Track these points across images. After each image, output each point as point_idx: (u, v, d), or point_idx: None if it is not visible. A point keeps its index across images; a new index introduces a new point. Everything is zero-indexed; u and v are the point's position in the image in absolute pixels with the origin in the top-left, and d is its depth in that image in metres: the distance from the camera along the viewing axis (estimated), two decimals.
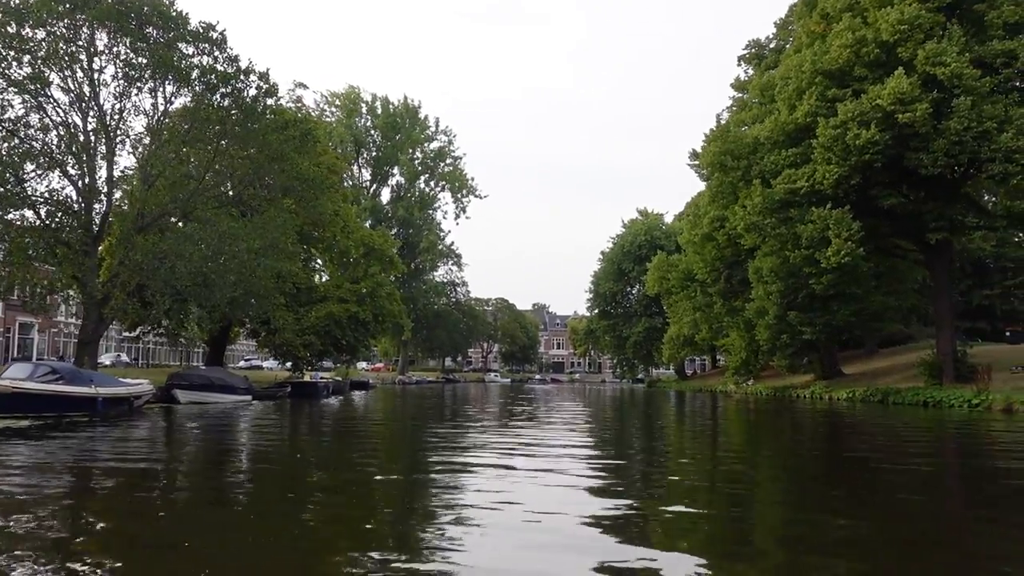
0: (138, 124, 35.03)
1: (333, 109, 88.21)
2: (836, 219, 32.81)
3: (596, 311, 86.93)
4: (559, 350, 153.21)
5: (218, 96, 34.82)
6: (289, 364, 50.37)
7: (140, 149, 35.15)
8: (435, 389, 69.12)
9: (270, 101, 36.54)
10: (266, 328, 46.03)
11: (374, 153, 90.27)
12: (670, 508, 8.50)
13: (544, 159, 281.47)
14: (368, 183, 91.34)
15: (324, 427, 21.81)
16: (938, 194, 33.98)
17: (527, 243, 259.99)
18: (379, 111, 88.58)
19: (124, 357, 74.27)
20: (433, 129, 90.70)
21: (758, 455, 15.61)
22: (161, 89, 34.44)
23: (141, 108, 35.22)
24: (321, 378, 45.97)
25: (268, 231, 34.49)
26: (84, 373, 22.70)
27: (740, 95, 49.03)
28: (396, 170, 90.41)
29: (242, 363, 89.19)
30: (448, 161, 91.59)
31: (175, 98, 35.13)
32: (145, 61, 32.72)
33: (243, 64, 34.96)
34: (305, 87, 57.60)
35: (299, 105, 50.44)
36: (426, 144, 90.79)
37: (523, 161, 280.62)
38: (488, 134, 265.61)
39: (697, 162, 39.71)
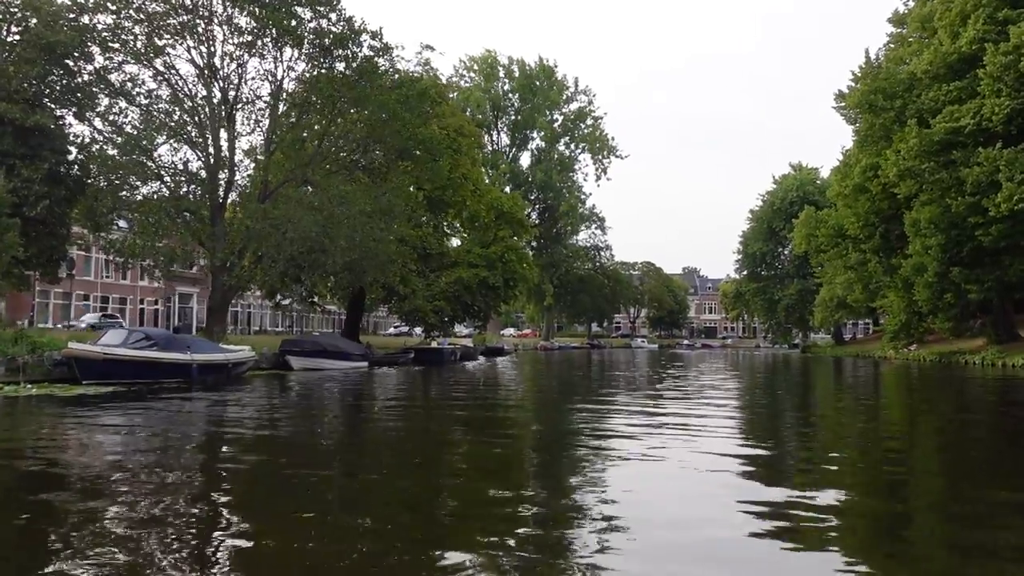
0: (259, 92, 34.70)
1: (471, 74, 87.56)
2: (1008, 160, 28.48)
3: (745, 273, 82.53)
4: (711, 315, 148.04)
5: (332, 59, 34.45)
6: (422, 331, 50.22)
7: (260, 117, 35.44)
8: (576, 355, 67.62)
9: (383, 61, 35.77)
10: (395, 295, 45.94)
11: (513, 117, 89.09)
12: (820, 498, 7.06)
13: (697, 116, 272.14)
14: (507, 147, 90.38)
15: (416, 396, 20.72)
16: None
17: (678, 204, 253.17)
18: (516, 74, 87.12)
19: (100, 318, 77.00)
20: (572, 90, 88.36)
21: (917, 436, 12.87)
22: (278, 55, 34.42)
23: (260, 76, 35.56)
24: (449, 344, 45.35)
25: (381, 195, 33.87)
26: (181, 339, 22.65)
27: (898, 30, 44.07)
28: (535, 133, 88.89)
29: (391, 330, 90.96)
30: (588, 122, 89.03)
31: (295, 63, 34.99)
32: (260, 26, 32.67)
33: (356, 24, 34.34)
34: (432, 49, 56.23)
35: (427, 68, 49.40)
36: (565, 105, 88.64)
37: (674, 119, 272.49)
38: (633, 93, 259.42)
39: (844, 104, 35.69)
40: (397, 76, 37.29)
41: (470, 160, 53.60)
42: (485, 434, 12.07)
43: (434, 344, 44.17)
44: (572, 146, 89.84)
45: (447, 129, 48.48)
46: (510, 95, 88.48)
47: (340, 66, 34.55)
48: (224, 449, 10.11)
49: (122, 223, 34.53)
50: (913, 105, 32.70)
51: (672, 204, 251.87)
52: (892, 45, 43.61)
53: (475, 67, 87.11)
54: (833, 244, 49.78)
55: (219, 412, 14.89)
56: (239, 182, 35.99)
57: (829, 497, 7.17)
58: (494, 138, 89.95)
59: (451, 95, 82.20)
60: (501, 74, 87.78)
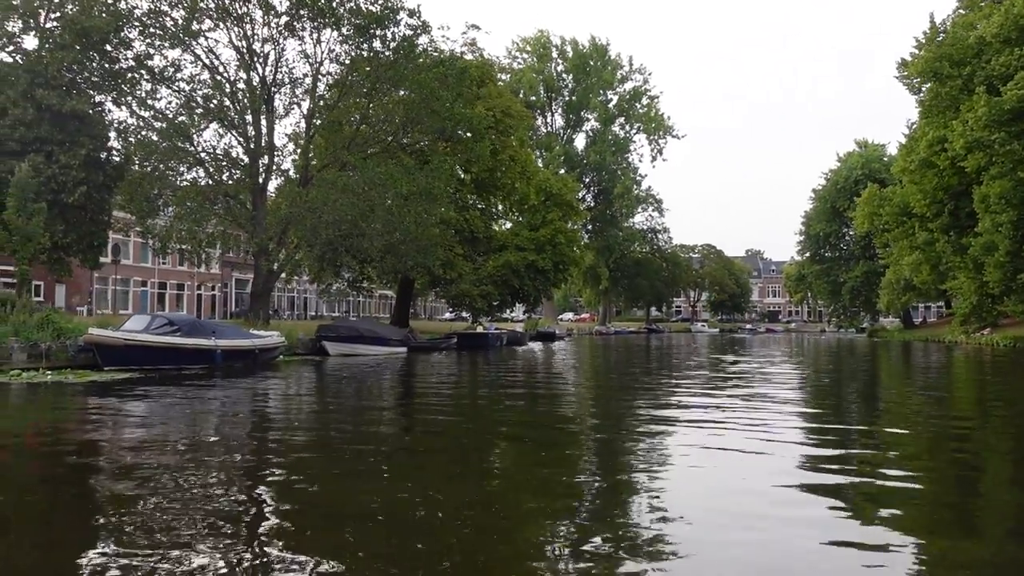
0: (298, 75, 34.30)
1: (524, 56, 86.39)
2: None
3: (807, 255, 79.79)
4: (774, 298, 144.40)
5: (370, 39, 33.82)
6: (471, 315, 49.57)
7: (300, 100, 35.10)
8: (633, 340, 66.16)
9: (422, 40, 34.99)
10: (442, 279, 45.35)
11: (567, 98, 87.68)
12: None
13: (763, 94, 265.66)
14: (562, 129, 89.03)
15: (451, 385, 19.94)
16: None
17: (742, 185, 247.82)
18: (569, 54, 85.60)
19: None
20: (627, 69, 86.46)
21: (985, 431, 11.44)
22: (317, 37, 33.94)
23: (299, 58, 35.24)
24: (496, 329, 44.53)
25: (418, 177, 33.14)
26: (206, 325, 22.28)
27: None
28: (589, 114, 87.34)
29: (447, 315, 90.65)
30: (644, 101, 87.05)
31: (334, 44, 34.44)
32: (297, 7, 32.22)
33: (394, 3, 33.61)
34: (477, 28, 55.03)
35: (473, 48, 48.49)
36: (620, 85, 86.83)
37: (738, 98, 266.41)
38: (693, 71, 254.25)
39: (907, 73, 33.52)
40: (437, 55, 36.49)
41: (518, 141, 52.60)
42: (503, 435, 11.13)
43: (479, 329, 43.33)
44: (627, 126, 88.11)
45: (493, 110, 47.53)
46: (564, 76, 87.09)
47: (378, 45, 33.93)
48: (199, 441, 9.38)
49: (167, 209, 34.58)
50: (982, 72, 30.49)
51: (736, 185, 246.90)
52: (962, 12, 41.03)
53: (528, 48, 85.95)
54: (898, 223, 47.26)
55: (225, 400, 14.30)
56: (282, 167, 35.84)
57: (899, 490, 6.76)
58: (548, 120, 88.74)
59: (503, 77, 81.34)
60: (554, 55, 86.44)
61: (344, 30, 33.64)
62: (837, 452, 8.69)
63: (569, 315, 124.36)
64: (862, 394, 17.42)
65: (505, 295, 49.39)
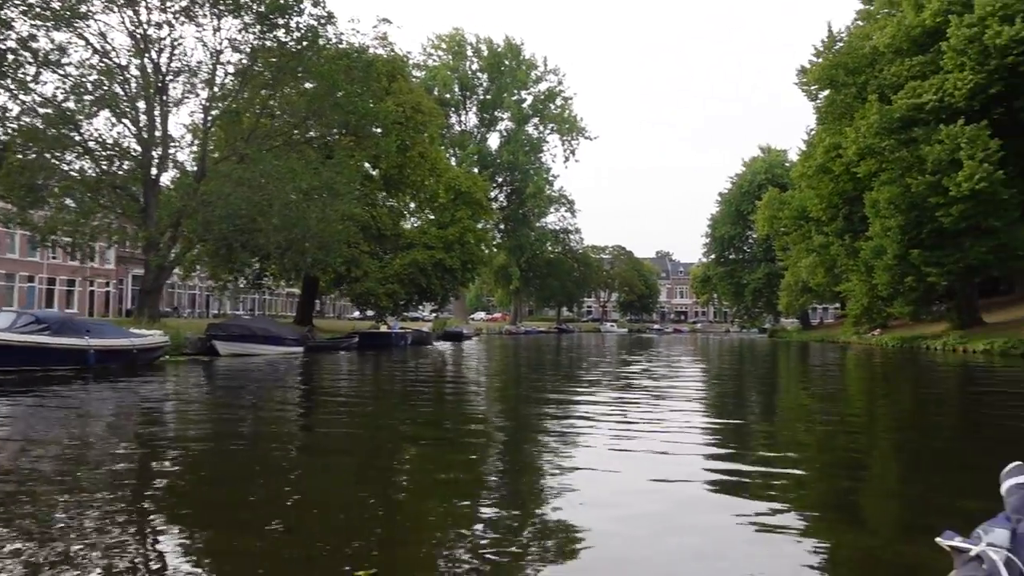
0: (195, 62, 32.90)
1: (439, 53, 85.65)
2: (970, 137, 27.34)
3: (713, 257, 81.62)
4: (682, 299, 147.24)
5: (272, 27, 32.71)
6: (385, 313, 48.57)
7: (198, 90, 33.70)
8: (542, 339, 66.27)
9: (328, 31, 34.05)
10: (348, 276, 44.41)
11: (481, 97, 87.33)
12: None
13: (677, 100, 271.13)
14: (476, 128, 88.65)
15: (345, 386, 19.29)
16: None
17: (652, 188, 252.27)
18: (484, 53, 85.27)
19: None
20: (541, 69, 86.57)
21: (867, 426, 11.69)
22: (217, 23, 32.63)
23: (197, 46, 33.90)
24: (401, 328, 43.78)
25: (323, 172, 32.23)
26: (78, 323, 20.98)
27: (867, 7, 42.83)
28: (503, 113, 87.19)
29: (357, 314, 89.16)
30: (558, 102, 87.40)
31: (235, 32, 33.17)
32: None
33: None
34: (388, 22, 54.22)
35: (384, 42, 47.59)
36: (534, 86, 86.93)
37: (655, 102, 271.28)
38: (608, 77, 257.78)
39: (805, 80, 34.42)
40: (343, 47, 35.62)
41: (429, 138, 52.00)
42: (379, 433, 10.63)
43: (383, 328, 42.53)
44: (541, 127, 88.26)
45: (403, 106, 46.82)
46: (479, 74, 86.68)
47: (281, 35, 32.86)
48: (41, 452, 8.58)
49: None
50: (875, 81, 31.50)
51: (648, 188, 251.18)
52: (859, 23, 42.39)
53: (443, 46, 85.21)
54: (796, 226, 48.67)
55: (82, 404, 13.36)
56: (179, 159, 34.32)
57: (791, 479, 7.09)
58: (463, 118, 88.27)
59: (418, 74, 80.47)
60: (469, 53, 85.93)
61: (246, 18, 32.46)
62: (735, 450, 8.84)
63: (481, 315, 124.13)
64: (761, 393, 17.87)
65: (412, 294, 48.70)
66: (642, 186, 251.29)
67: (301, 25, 33.02)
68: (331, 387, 18.07)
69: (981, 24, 26.72)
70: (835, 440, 9.89)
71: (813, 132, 43.66)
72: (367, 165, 48.00)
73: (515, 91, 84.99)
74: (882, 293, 36.36)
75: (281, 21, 32.72)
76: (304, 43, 32.75)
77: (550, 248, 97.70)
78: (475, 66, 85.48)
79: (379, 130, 42.94)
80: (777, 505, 5.92)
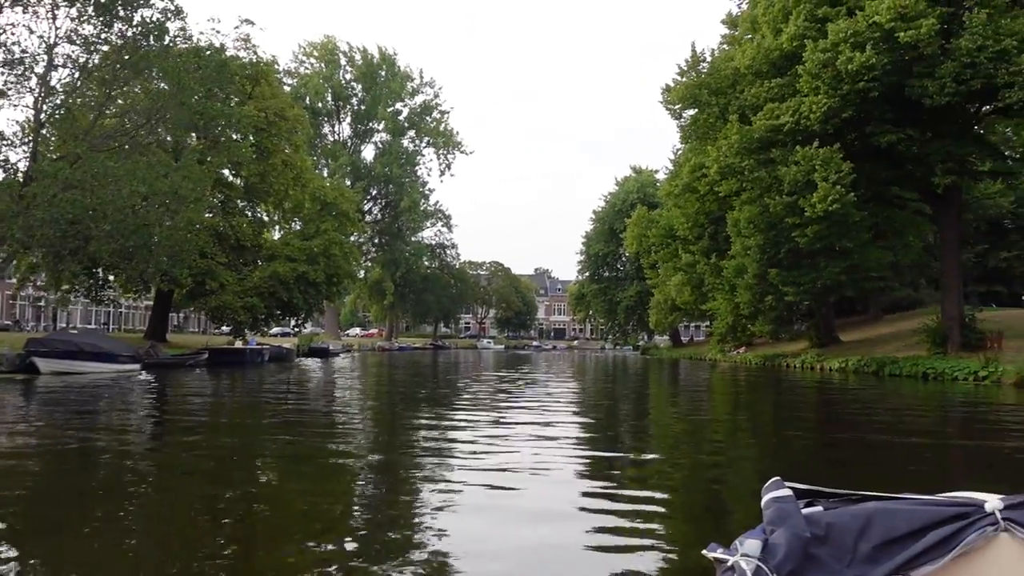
0: (23, 54, 29.97)
1: (312, 61, 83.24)
2: (823, 159, 27.83)
3: (587, 274, 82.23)
4: (560, 316, 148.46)
5: (113, 18, 30.23)
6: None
7: (28, 85, 30.75)
8: (418, 357, 64.66)
9: (176, 26, 31.78)
10: (203, 289, 41.79)
11: (356, 107, 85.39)
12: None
13: (551, 116, 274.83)
14: (350, 138, 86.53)
15: (175, 409, 17.40)
16: (945, 131, 28.89)
17: (533, 206, 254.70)
18: (359, 62, 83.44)
19: None
20: (417, 82, 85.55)
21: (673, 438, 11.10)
22: (53, 13, 29.88)
23: (28, 36, 31.00)
24: (258, 344, 41.50)
25: (173, 176, 29.90)
26: None
27: (732, 31, 43.72)
28: (379, 125, 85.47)
29: (226, 329, 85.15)
30: (434, 115, 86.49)
31: (72, 22, 30.47)
32: None
33: None
34: (251, 23, 51.76)
35: (247, 44, 45.32)
36: (410, 98, 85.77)
37: (534, 120, 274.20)
38: (486, 91, 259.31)
39: (669, 99, 34.63)
40: (193, 44, 33.41)
41: (293, 146, 49.92)
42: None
43: (238, 344, 40.15)
44: (417, 140, 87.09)
45: (266, 111, 44.73)
46: (353, 84, 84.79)
47: (122, 27, 30.40)
48: None
49: None
50: (736, 101, 31.84)
51: (528, 206, 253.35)
52: (725, 46, 43.16)
53: (315, 53, 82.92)
54: (664, 245, 49.19)
55: None
56: (11, 159, 31.17)
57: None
58: (336, 129, 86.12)
59: (289, 81, 77.95)
60: (343, 62, 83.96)
61: (88, 9, 29.85)
62: (606, 471, 8.77)
63: (357, 330, 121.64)
64: (632, 408, 17.90)
65: (273, 308, 46.35)
66: (523, 203, 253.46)
67: (147, 19, 30.73)
68: (153, 408, 16.19)
69: (834, 49, 27.25)
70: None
71: (680, 152, 44.18)
72: (226, 172, 45.60)
73: (390, 102, 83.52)
74: (744, 312, 36.84)
75: (123, 13, 30.33)
76: (149, 38, 30.42)
77: (426, 263, 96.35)
78: (349, 76, 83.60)
79: (238, 135, 40.85)
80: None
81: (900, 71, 27.22)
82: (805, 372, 36.30)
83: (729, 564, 1.96)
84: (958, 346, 29.09)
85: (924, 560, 2.00)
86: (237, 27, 49.58)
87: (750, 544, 1.98)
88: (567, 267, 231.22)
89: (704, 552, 2.08)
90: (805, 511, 2.14)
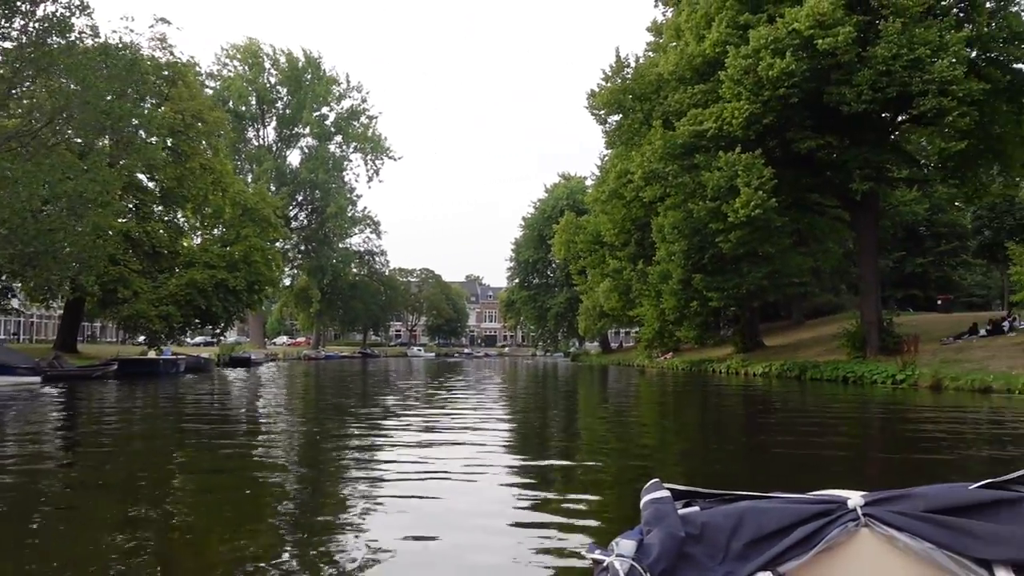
0: None
1: (235, 63, 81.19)
2: (746, 165, 27.94)
3: (517, 281, 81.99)
4: (492, 323, 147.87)
5: (14, 13, 28.66)
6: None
7: None
8: (345, 365, 63.24)
9: (84, 22, 30.38)
10: (116, 297, 40.02)
11: (281, 111, 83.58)
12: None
13: (483, 123, 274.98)
14: (275, 143, 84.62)
15: (79, 422, 16.26)
16: (863, 138, 29.36)
17: (465, 213, 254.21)
18: (284, 65, 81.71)
19: None
20: (344, 86, 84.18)
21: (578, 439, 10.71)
22: None
23: None
24: (172, 354, 39.92)
25: (81, 179, 28.41)
26: None
27: (657, 39, 43.88)
28: (305, 130, 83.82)
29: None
30: (362, 120, 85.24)
31: None
32: None
33: None
34: (168, 23, 49.92)
35: (163, 44, 43.67)
36: (337, 102, 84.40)
37: (464, 128, 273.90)
38: (421, 97, 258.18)
39: (594, 104, 34.46)
40: (100, 41, 31.95)
41: (212, 149, 48.39)
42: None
43: (152, 354, 38.54)
44: (345, 145, 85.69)
45: (183, 113, 43.19)
46: (278, 88, 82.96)
47: (22, 21, 28.85)
48: None
49: None
50: (660, 107, 31.83)
51: (460, 213, 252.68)
52: (651, 54, 43.29)
53: (238, 56, 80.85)
54: (591, 251, 49.14)
55: None
56: None
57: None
58: (261, 133, 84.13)
59: (212, 84, 75.91)
60: (267, 65, 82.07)
61: None
62: (533, 478, 8.82)
63: (284, 339, 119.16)
64: (561, 415, 17.95)
65: (190, 317, 44.70)
66: (454, 210, 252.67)
67: (50, 14, 29.22)
68: (46, 425, 15.04)
69: (755, 56, 27.40)
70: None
71: (607, 158, 44.16)
72: (142, 176, 43.95)
73: (316, 107, 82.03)
74: (670, 317, 36.89)
75: (25, 7, 28.79)
76: (52, 34, 28.92)
77: (355, 270, 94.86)
78: (273, 79, 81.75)
79: (153, 138, 39.39)
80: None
81: (819, 78, 27.53)
82: (730, 377, 36.56)
83: (604, 565, 2.00)
84: (876, 350, 29.53)
85: (791, 556, 2.07)
86: (152, 26, 47.87)
87: (625, 544, 2.03)
88: (499, 274, 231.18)
89: (584, 554, 2.11)
90: (682, 511, 2.19)
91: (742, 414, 18.99)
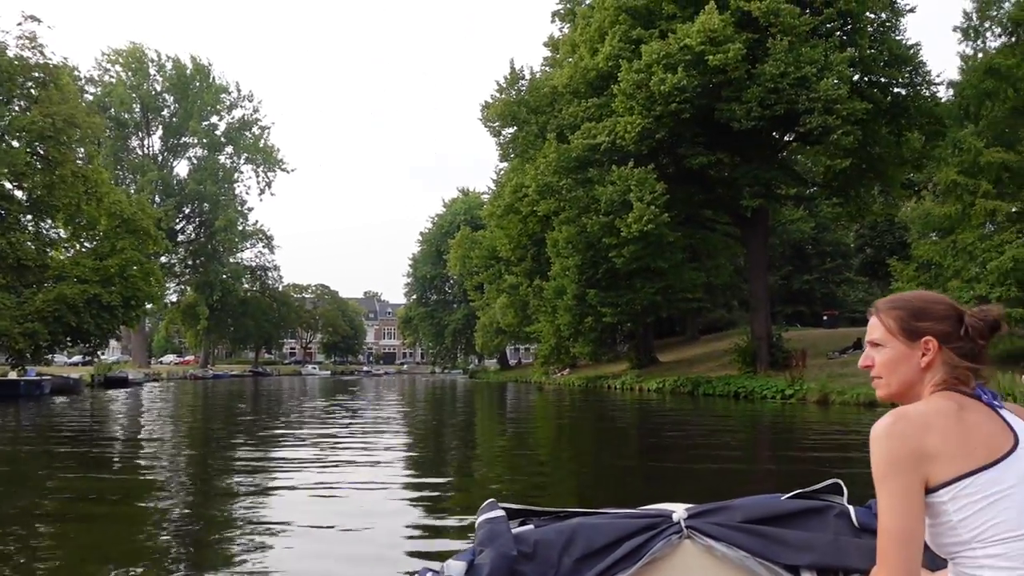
0: None
1: (117, 68, 77.40)
2: (638, 179, 27.80)
3: (415, 297, 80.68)
4: (391, 340, 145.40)
5: None
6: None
7: None
8: (234, 385, 60.45)
9: None
10: None
11: (168, 120, 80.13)
12: None
13: (389, 141, 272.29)
14: (161, 152, 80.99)
15: None
16: (753, 155, 29.71)
17: (364, 228, 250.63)
18: (170, 72, 78.41)
19: None
20: (235, 95, 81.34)
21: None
22: None
23: None
24: (38, 374, 37.11)
25: None
26: None
27: (554, 54, 43.79)
28: (193, 139, 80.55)
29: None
30: (254, 131, 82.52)
31: None
32: None
33: None
34: (38, 20, 46.74)
35: (32, 43, 40.82)
36: (228, 112, 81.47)
37: (363, 141, 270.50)
38: (319, 110, 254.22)
39: (488, 116, 33.91)
40: None
41: (87, 156, 45.56)
42: None
43: (12, 375, 35.69)
44: (236, 156, 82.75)
45: (53, 117, 40.43)
46: (164, 96, 79.51)
47: None
48: None
49: None
50: (555, 120, 31.50)
51: (359, 228, 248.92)
52: (547, 69, 43.15)
53: (120, 61, 77.07)
54: (487, 266, 48.49)
55: None
56: None
57: None
58: (146, 142, 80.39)
59: (92, 89, 72.09)
60: (152, 71, 78.56)
61: None
62: (427, 499, 8.51)
63: (172, 357, 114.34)
64: (458, 434, 17.41)
65: (59, 334, 41.71)
66: (353, 224, 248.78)
67: None
68: None
69: (648, 70, 27.37)
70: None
71: (503, 172, 43.66)
72: (7, 184, 40.95)
73: (206, 116, 78.96)
74: (565, 333, 36.49)
75: None
76: None
77: (246, 286, 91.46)
78: (159, 86, 78.32)
79: (15, 143, 36.79)
80: None
81: (710, 94, 27.67)
82: (625, 393, 36.37)
83: None
84: (766, 365, 29.76)
85: (617, 569, 2.11)
86: (20, 24, 44.80)
87: (454, 565, 2.04)
88: (399, 290, 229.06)
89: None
90: (516, 530, 2.21)
91: (623, 431, 18.62)
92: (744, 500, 2.29)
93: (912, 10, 30.34)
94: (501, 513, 2.25)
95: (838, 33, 28.35)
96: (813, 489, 2.31)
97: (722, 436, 16.23)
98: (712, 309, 53.19)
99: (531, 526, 2.25)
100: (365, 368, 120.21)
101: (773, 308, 41.50)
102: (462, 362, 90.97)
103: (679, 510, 2.24)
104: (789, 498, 2.29)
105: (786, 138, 31.71)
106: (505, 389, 47.18)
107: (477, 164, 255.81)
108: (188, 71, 78.79)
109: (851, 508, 2.24)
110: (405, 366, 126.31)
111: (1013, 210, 23.69)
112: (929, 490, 1.69)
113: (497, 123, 34.06)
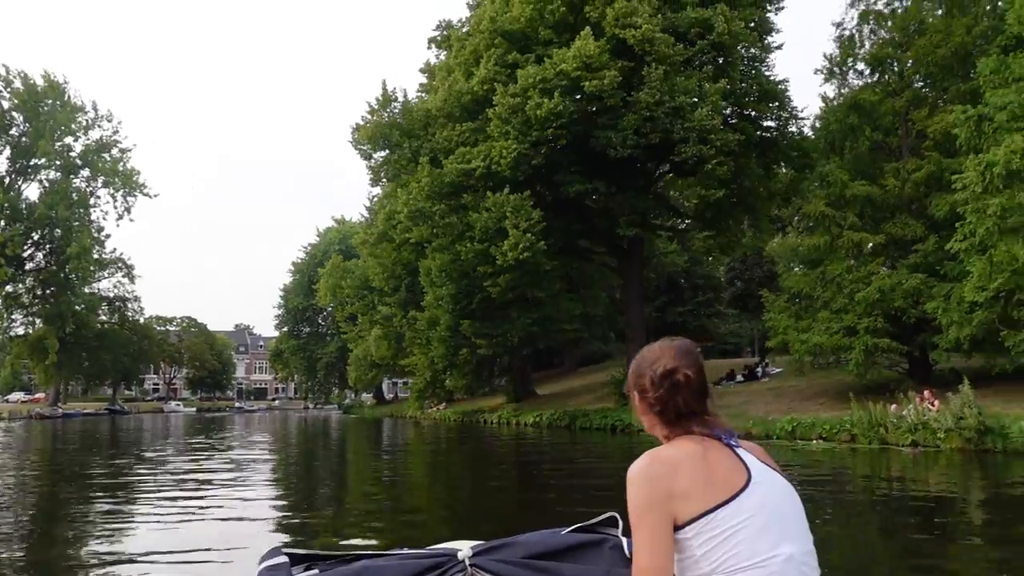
0: None
1: None
2: (514, 206, 26.95)
3: (286, 329, 77.45)
4: (263, 374, 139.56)
5: None
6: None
7: None
8: (84, 424, 55.57)
9: None
10: None
11: (16, 140, 74.50)
12: None
13: (253, 165, 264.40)
14: (9, 174, 75.10)
15: None
16: (629, 185, 29.41)
17: (235, 258, 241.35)
18: (19, 88, 73.08)
19: None
20: (92, 115, 76.52)
21: None
22: None
23: None
24: None
25: None
26: None
27: (430, 81, 42.81)
28: (44, 161, 75.09)
29: None
30: (113, 153, 77.76)
31: None
32: None
33: None
34: None
35: None
36: (84, 133, 76.52)
37: (238, 167, 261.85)
38: (184, 137, 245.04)
39: (359, 137, 32.49)
40: None
41: None
42: None
43: None
44: (93, 179, 77.68)
45: None
46: (12, 114, 73.92)
47: None
48: None
49: None
50: (428, 144, 30.40)
51: (230, 258, 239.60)
52: (423, 95, 42.12)
53: None
54: (360, 297, 46.64)
55: None
56: None
57: None
58: None
59: None
60: (1, 88, 73.02)
61: None
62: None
63: (20, 395, 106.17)
64: (328, 475, 16.85)
65: None
66: (223, 254, 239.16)
67: None
68: None
69: (524, 95, 26.73)
70: None
71: (376, 199, 42.18)
72: None
73: (59, 136, 73.84)
74: (439, 366, 35.12)
75: None
76: None
77: (103, 317, 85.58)
78: (7, 103, 72.78)
79: None
80: None
81: (587, 121, 27.25)
82: (501, 427, 35.31)
83: None
84: None
85: None
86: None
87: None
88: (271, 323, 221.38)
89: None
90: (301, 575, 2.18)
91: (497, 464, 17.47)
92: (527, 536, 2.36)
93: (780, 47, 31.06)
94: (284, 559, 2.21)
95: (710, 65, 28.47)
96: (592, 523, 2.42)
97: (584, 470, 15.32)
98: (590, 340, 52.97)
99: (316, 571, 2.22)
100: (237, 404, 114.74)
101: (648, 339, 41.26)
102: (337, 396, 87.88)
103: (464, 548, 2.27)
104: (570, 531, 2.40)
105: (661, 168, 31.70)
106: (386, 424, 45.32)
107: (358, 192, 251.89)
108: (40, 88, 73.67)
109: (624, 540, 2.30)
110: (277, 402, 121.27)
111: (879, 242, 24.10)
112: (677, 527, 1.76)
113: (368, 146, 32.67)
